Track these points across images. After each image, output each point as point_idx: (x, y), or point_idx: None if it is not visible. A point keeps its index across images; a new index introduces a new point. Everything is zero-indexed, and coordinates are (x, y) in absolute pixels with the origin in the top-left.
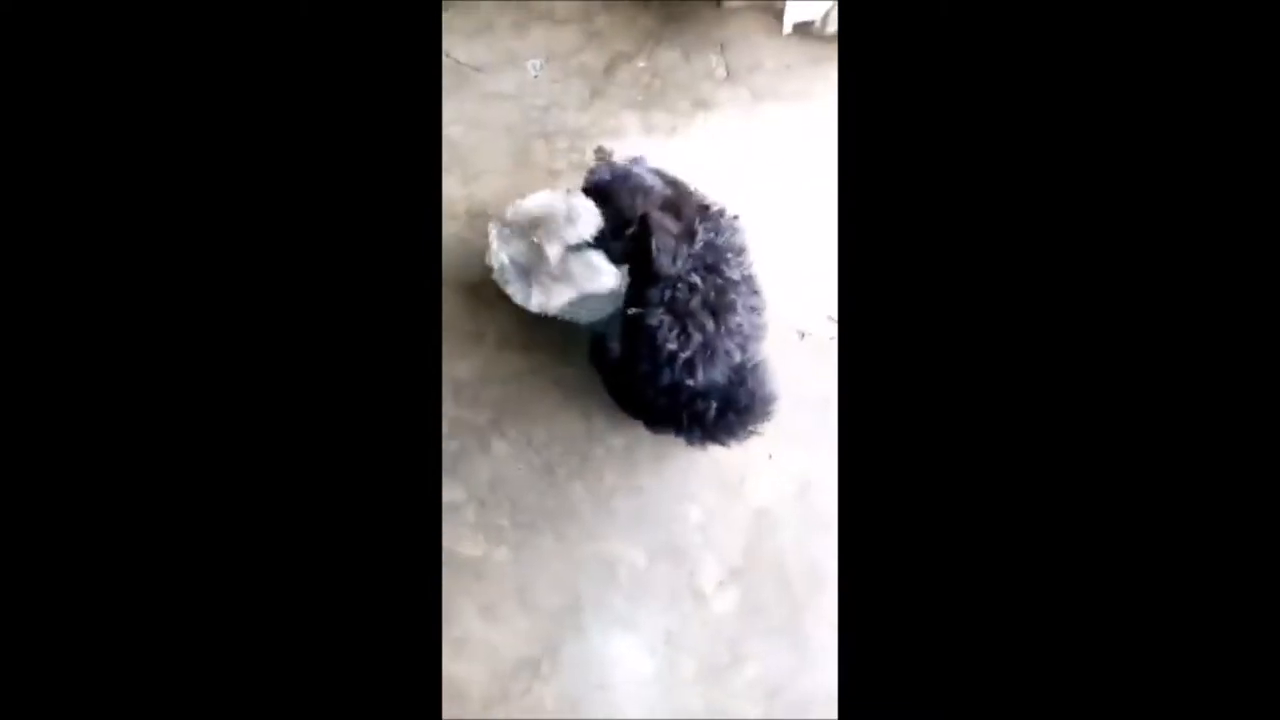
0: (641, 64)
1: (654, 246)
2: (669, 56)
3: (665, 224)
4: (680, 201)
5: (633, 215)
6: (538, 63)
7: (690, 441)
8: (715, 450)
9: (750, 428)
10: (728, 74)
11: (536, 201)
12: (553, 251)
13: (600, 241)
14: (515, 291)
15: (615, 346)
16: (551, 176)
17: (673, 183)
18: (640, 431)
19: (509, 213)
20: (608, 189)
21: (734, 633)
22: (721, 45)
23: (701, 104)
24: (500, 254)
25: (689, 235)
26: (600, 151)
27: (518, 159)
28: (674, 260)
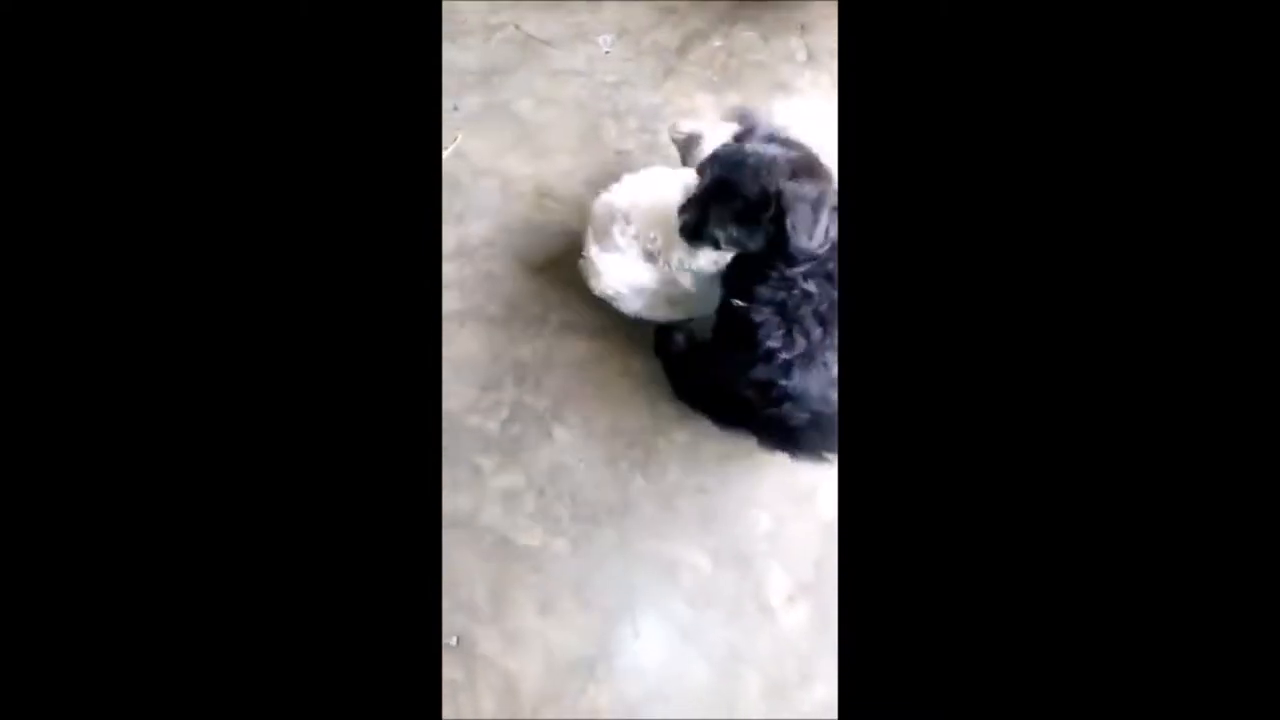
0: (717, 43)
1: (790, 225)
2: (746, 37)
3: (802, 193)
4: (811, 161)
5: (765, 197)
6: (609, 38)
7: (761, 442)
8: (785, 458)
9: (825, 451)
10: (808, 57)
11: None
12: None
13: (736, 231)
14: (614, 294)
15: (680, 339)
16: (620, 156)
17: (793, 144)
18: (705, 429)
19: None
20: (726, 181)
21: (804, 650)
22: (802, 27)
23: (781, 87)
24: (604, 270)
25: (826, 198)
26: (674, 130)
27: (586, 137)
28: (813, 234)
